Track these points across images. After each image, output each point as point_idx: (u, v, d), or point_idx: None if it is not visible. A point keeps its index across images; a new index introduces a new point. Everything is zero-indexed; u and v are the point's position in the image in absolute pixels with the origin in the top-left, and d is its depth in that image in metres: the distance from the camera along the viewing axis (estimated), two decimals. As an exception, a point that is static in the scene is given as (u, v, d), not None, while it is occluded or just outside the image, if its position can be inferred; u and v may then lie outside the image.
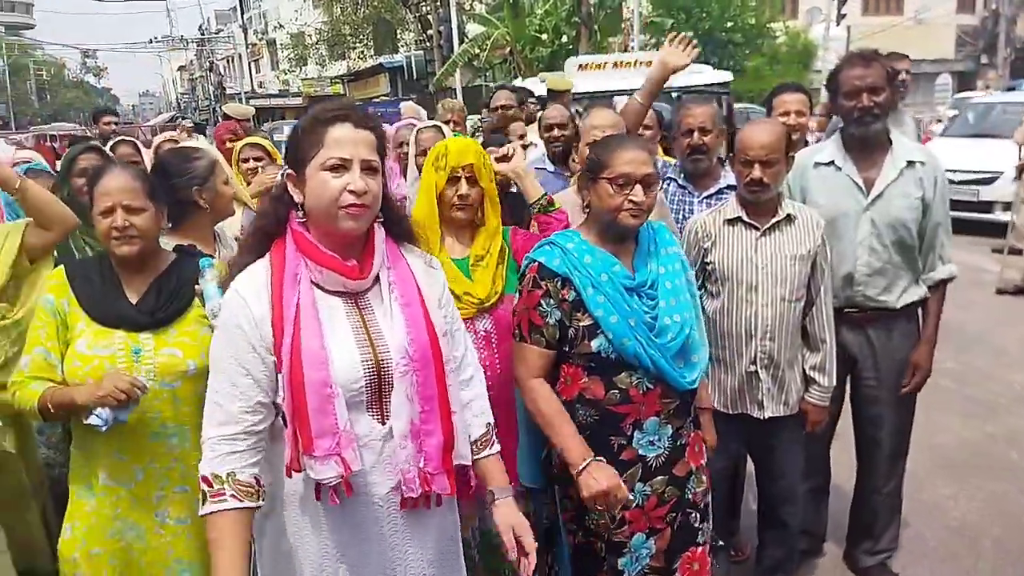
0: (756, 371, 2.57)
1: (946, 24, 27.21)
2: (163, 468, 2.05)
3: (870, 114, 2.66)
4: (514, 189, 2.76)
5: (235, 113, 6.43)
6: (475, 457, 1.79)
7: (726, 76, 10.21)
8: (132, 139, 4.59)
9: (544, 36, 18.52)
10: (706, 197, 3.01)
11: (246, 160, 3.84)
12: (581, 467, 1.96)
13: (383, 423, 1.62)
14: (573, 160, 3.61)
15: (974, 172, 9.46)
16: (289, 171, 1.64)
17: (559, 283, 2.03)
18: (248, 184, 3.66)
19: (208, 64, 47.21)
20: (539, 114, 4.59)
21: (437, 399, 1.65)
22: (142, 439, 2.03)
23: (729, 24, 19.61)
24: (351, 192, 1.54)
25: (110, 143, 4.32)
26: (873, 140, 2.73)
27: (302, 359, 1.52)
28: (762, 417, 2.60)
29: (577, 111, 4.78)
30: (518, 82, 7.20)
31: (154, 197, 2.13)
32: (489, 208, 2.39)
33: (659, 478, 2.09)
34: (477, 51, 18.30)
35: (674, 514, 2.12)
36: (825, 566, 3.19)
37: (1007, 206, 8.92)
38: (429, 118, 5.14)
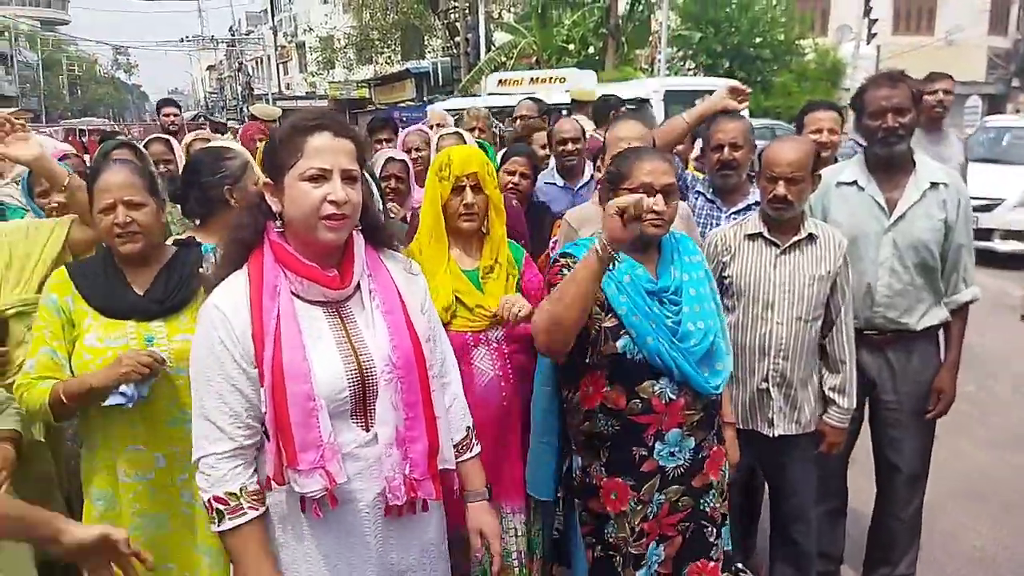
0: (768, 388, 2.56)
1: (977, 46, 26.87)
2: (184, 451, 2.03)
3: (895, 135, 2.65)
4: (537, 199, 2.75)
5: (262, 114, 6.51)
6: (457, 460, 1.80)
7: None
8: (166, 136, 4.65)
9: (571, 47, 18.54)
10: (734, 212, 3.00)
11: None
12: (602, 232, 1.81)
13: (367, 430, 1.61)
14: (598, 169, 3.63)
15: (975, 199, 9.32)
16: (267, 180, 1.62)
17: None
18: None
19: (237, 64, 47.78)
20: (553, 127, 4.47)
21: (422, 405, 1.64)
22: (160, 426, 2.04)
23: (758, 40, 19.44)
24: (331, 202, 1.52)
25: (144, 140, 4.38)
26: (897, 161, 2.72)
27: (284, 373, 1.51)
28: (771, 435, 2.59)
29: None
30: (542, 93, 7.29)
31: (154, 192, 2.13)
32: (494, 216, 2.36)
33: (675, 487, 2.08)
34: (504, 59, 18.36)
35: (687, 524, 2.11)
36: (840, 589, 3.15)
37: (1007, 234, 8.84)
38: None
